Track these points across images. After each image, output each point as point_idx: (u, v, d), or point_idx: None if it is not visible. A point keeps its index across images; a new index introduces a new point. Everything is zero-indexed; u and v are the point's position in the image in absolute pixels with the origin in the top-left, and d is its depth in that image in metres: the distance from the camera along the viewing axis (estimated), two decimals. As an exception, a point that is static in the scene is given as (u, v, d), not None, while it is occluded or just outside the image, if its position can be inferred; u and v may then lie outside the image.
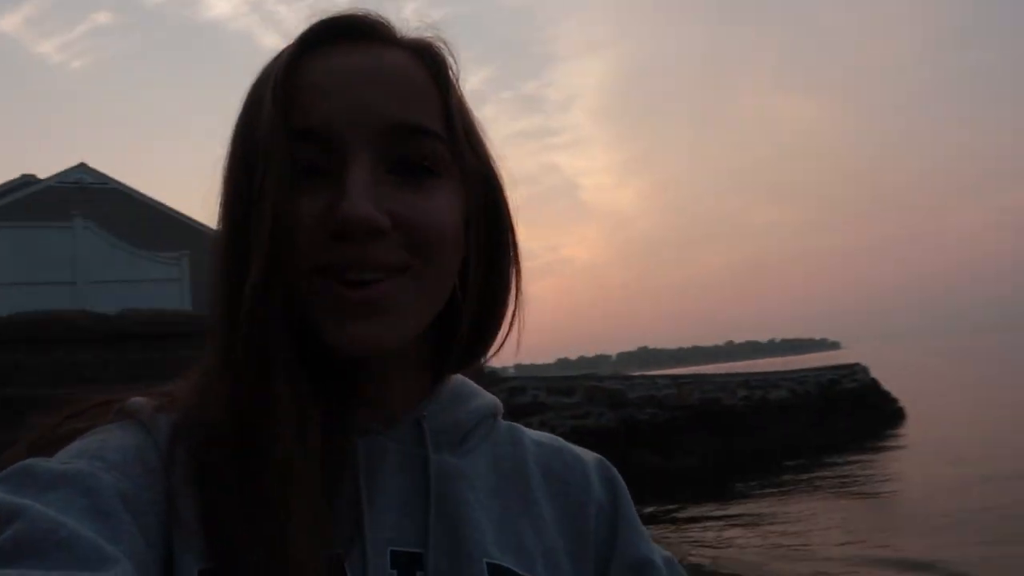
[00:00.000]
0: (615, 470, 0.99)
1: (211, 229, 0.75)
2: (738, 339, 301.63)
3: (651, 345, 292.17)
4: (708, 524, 15.84)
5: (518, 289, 0.86)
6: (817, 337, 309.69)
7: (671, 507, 18.00)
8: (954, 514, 14.53)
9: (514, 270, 0.85)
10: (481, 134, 0.85)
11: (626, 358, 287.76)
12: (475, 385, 0.95)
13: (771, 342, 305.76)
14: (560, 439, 1.00)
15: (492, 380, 20.78)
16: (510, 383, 20.82)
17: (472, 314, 0.82)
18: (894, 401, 29.67)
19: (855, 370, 29.10)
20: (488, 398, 0.92)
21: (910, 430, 27.00)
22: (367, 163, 0.72)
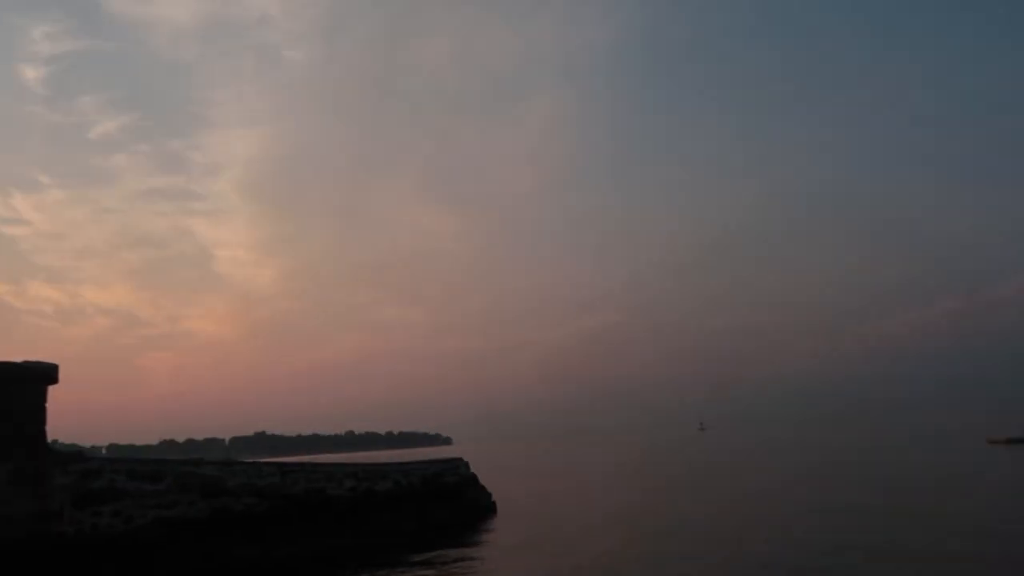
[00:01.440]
0: None
1: None
2: (358, 429, 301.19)
3: (270, 431, 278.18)
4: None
5: None
6: (432, 432, 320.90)
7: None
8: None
9: None
10: None
11: (241, 443, 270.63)
12: None
13: (389, 434, 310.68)
14: None
15: (59, 460, 17.83)
16: (83, 464, 18.02)
17: None
18: (488, 494, 31.33)
19: (457, 464, 30.24)
20: None
21: (499, 523, 28.42)
22: None
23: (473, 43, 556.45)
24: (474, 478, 30.56)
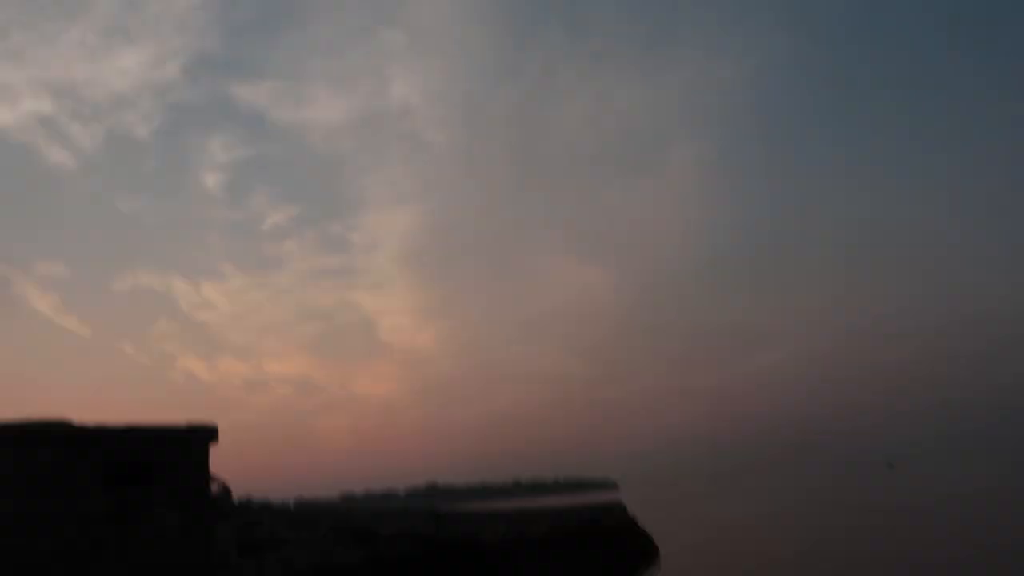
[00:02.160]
0: None
1: None
2: (524, 477, 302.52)
3: (440, 481, 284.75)
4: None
5: None
6: (599, 478, 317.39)
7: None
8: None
9: None
10: None
11: (414, 493, 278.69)
12: None
13: (555, 482, 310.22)
14: None
15: (225, 512, 18.63)
16: (244, 517, 18.75)
17: None
18: (649, 539, 30.07)
19: (614, 508, 29.31)
20: None
21: (663, 569, 27.16)
22: None
23: (610, 101, 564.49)
24: (633, 522, 29.44)
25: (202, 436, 18.13)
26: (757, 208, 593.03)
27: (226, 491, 42.79)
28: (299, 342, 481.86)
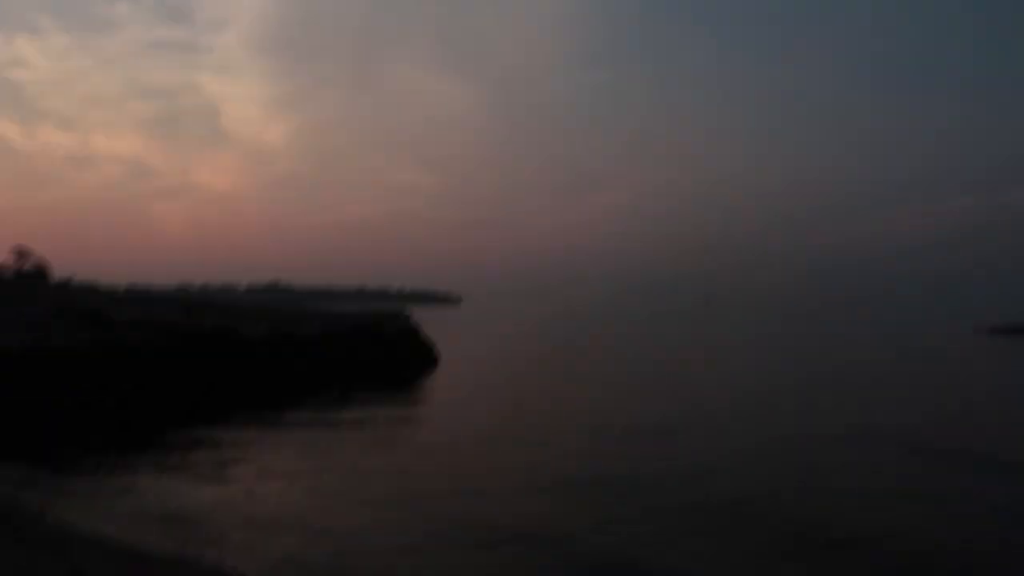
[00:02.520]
0: None
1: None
2: (371, 285, 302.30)
3: (284, 281, 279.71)
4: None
5: None
6: (442, 291, 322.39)
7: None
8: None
9: None
10: None
11: (257, 291, 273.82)
12: None
13: (400, 291, 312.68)
14: None
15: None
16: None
17: None
18: (430, 347, 30.38)
19: (398, 316, 29.14)
20: None
21: (440, 372, 27.48)
22: None
23: None
24: (415, 331, 29.44)
25: None
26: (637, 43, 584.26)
27: (40, 267, 39.11)
28: (131, 120, 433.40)
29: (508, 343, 49.13)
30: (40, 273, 32.80)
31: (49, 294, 21.89)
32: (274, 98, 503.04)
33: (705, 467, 13.48)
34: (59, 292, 23.25)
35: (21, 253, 32.54)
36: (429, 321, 48.00)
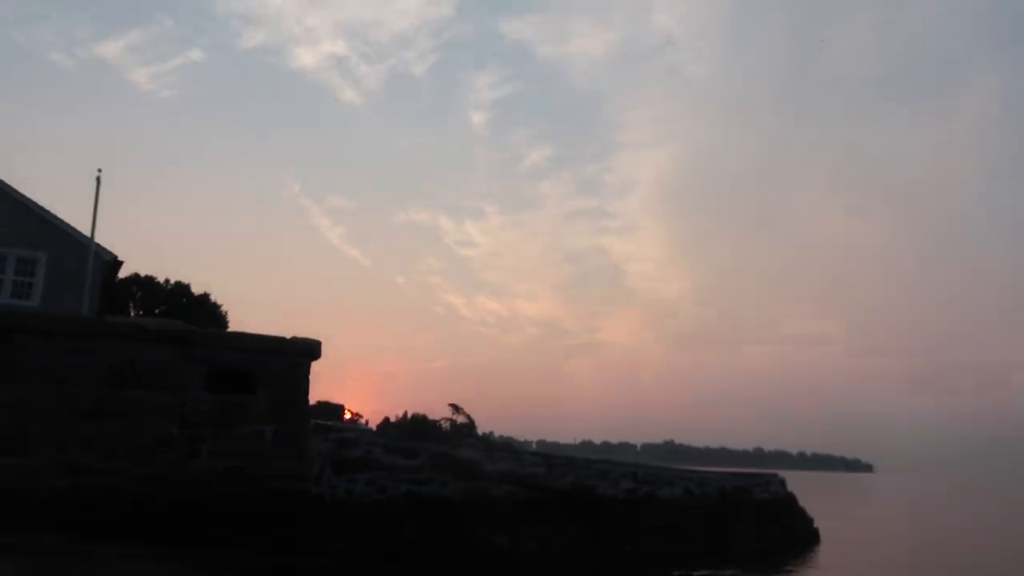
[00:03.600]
0: None
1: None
2: (768, 447, 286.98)
3: (678, 440, 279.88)
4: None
5: None
6: (850, 456, 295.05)
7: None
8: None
9: None
10: None
11: (651, 449, 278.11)
12: None
13: (801, 455, 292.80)
14: None
15: (320, 429, 19.14)
16: (340, 434, 19.13)
17: None
18: (810, 520, 26.98)
19: (770, 480, 26.55)
20: None
21: (822, 558, 24.24)
22: None
23: (896, 19, 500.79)
24: (791, 499, 26.51)
25: (304, 350, 18.69)
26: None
27: (469, 422, 44.62)
28: (550, 284, 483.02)
29: (922, 521, 42.02)
30: (468, 428, 36.65)
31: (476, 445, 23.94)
32: (671, 254, 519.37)
33: None
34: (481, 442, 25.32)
35: (456, 409, 37.57)
36: (817, 489, 43.17)
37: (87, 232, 20.61)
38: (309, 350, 18.67)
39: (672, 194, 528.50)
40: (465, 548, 19.46)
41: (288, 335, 19.08)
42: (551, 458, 22.01)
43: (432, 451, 19.80)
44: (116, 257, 21.45)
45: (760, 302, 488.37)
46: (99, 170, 20.39)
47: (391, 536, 18.84)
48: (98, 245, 20.67)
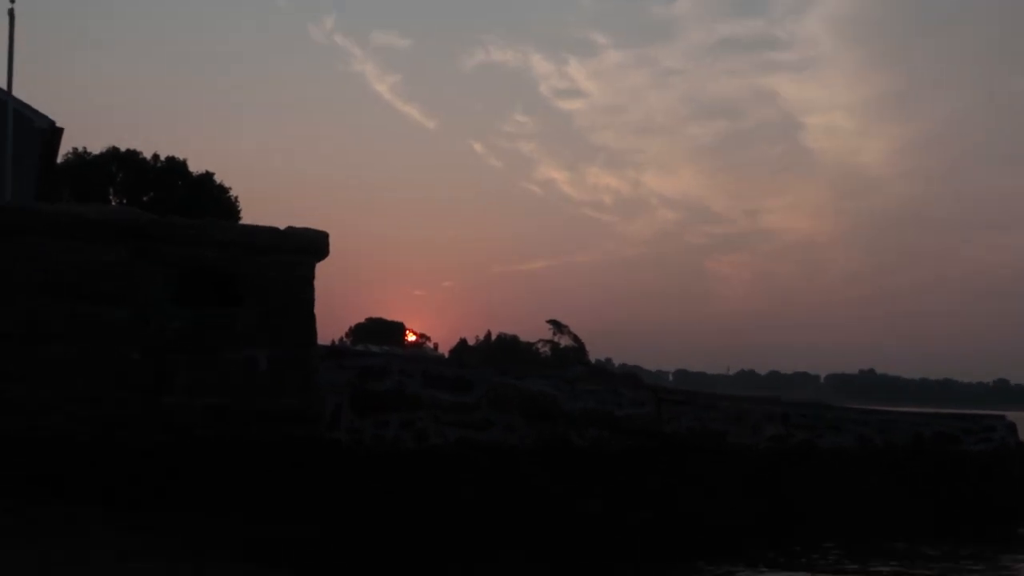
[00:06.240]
0: None
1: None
2: (1016, 379, 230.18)
3: (881, 369, 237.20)
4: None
5: None
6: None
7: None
8: None
9: None
10: None
11: (838, 381, 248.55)
12: None
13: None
14: None
15: (334, 353, 14.86)
16: (363, 360, 14.67)
17: None
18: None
19: (991, 424, 19.72)
20: None
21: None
22: None
23: None
24: (1011, 451, 19.59)
25: (302, 245, 14.22)
26: None
27: (576, 344, 38.76)
28: (688, 148, 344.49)
29: None
30: (576, 353, 31.34)
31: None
32: (872, 100, 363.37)
33: None
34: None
35: (558, 327, 31.80)
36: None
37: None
38: (310, 245, 14.20)
39: (874, 7, 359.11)
40: (541, 516, 14.84)
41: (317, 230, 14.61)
42: (662, 392, 16.69)
43: (491, 381, 14.96)
44: (55, 123, 17.73)
45: (1004, 170, 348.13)
46: (11, 1, 16.40)
47: (437, 499, 14.47)
48: (24, 105, 16.88)
